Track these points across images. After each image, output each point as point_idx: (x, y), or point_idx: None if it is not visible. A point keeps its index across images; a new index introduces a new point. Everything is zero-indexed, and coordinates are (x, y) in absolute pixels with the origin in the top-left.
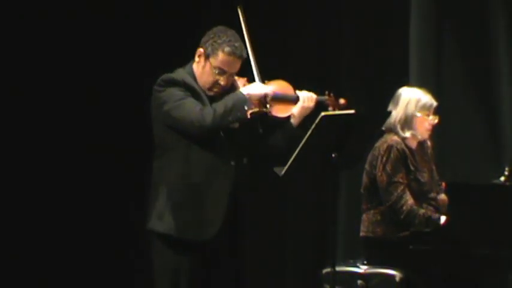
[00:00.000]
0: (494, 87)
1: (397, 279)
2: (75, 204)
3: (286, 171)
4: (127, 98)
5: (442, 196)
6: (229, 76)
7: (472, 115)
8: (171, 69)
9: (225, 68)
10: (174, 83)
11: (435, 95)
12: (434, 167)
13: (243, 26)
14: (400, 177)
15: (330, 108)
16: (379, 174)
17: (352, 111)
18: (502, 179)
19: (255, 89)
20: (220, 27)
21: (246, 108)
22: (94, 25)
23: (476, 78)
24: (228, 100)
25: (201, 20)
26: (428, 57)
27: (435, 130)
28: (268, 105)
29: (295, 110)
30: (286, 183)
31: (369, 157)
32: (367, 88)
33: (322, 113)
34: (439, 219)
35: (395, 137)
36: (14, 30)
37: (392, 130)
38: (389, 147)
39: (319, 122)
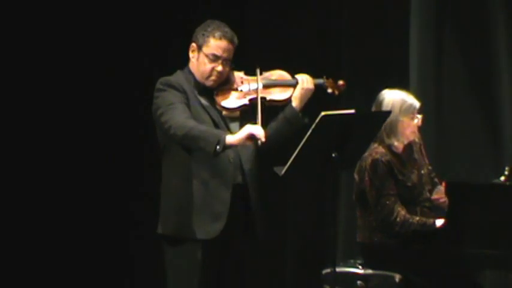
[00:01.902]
0: (494, 87)
1: (397, 279)
2: (75, 205)
3: (286, 171)
4: (129, 99)
5: (440, 190)
6: (224, 62)
7: (472, 115)
8: (175, 69)
9: (218, 53)
10: (170, 86)
11: (435, 95)
12: (425, 161)
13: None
14: (389, 190)
15: (330, 90)
16: (368, 189)
17: (352, 111)
18: (502, 178)
19: (238, 135)
20: (207, 21)
21: (217, 148)
22: (96, 24)
23: (476, 78)
24: (210, 130)
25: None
26: (428, 57)
27: (435, 130)
28: (262, 140)
29: (296, 93)
30: (286, 183)
31: (357, 167)
32: (367, 88)
33: (322, 113)
34: (434, 224)
35: (380, 148)
36: (11, 29)
37: (378, 137)
38: (375, 162)
39: (319, 122)
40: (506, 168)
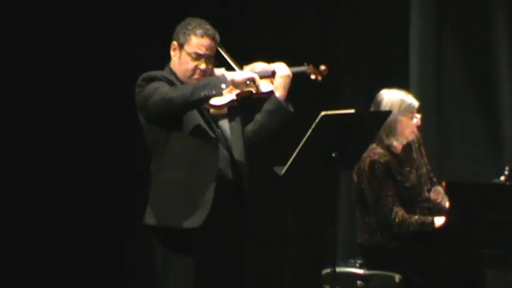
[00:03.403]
0: (494, 87)
1: (397, 280)
2: (75, 204)
3: (286, 171)
4: (126, 96)
5: (437, 190)
6: (207, 60)
7: (472, 115)
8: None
9: (201, 51)
10: (154, 79)
11: (435, 95)
12: (424, 159)
13: (228, 59)
14: (388, 191)
15: (313, 77)
16: (367, 190)
17: (352, 111)
18: (502, 178)
19: (240, 74)
20: (187, 19)
21: (223, 86)
22: (96, 25)
23: (476, 78)
24: (205, 79)
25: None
26: (428, 57)
27: (435, 129)
28: (258, 88)
29: (276, 82)
30: (286, 183)
31: (356, 167)
32: (367, 88)
33: (322, 113)
34: (432, 222)
35: (379, 148)
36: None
37: (376, 138)
38: (373, 163)
39: (319, 121)
40: (506, 168)
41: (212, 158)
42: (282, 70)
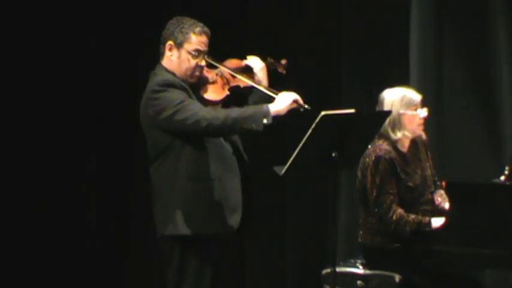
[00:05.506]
0: (495, 87)
1: (397, 279)
2: (73, 205)
3: (286, 171)
4: (128, 99)
5: (440, 193)
6: (204, 56)
7: (472, 115)
8: None
9: (201, 48)
10: (171, 85)
11: (435, 95)
12: (430, 162)
13: (221, 66)
14: (389, 188)
15: (280, 70)
16: (369, 186)
17: (352, 111)
18: (502, 178)
19: (282, 101)
20: (176, 18)
21: (265, 121)
22: (96, 24)
23: (476, 78)
24: (249, 109)
25: None
26: (428, 57)
27: (435, 130)
28: (306, 106)
29: (257, 76)
30: (286, 183)
31: (360, 163)
32: (367, 88)
33: (322, 113)
34: (429, 222)
35: (385, 145)
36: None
37: (383, 135)
38: (378, 159)
39: (319, 121)
40: (506, 168)
41: (232, 159)
42: (259, 64)
